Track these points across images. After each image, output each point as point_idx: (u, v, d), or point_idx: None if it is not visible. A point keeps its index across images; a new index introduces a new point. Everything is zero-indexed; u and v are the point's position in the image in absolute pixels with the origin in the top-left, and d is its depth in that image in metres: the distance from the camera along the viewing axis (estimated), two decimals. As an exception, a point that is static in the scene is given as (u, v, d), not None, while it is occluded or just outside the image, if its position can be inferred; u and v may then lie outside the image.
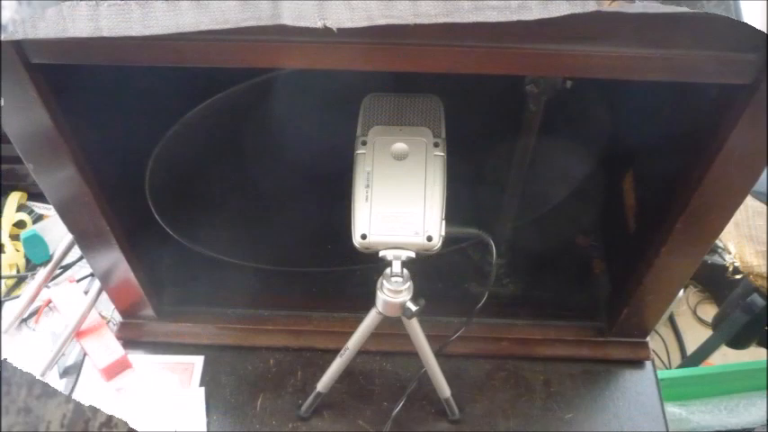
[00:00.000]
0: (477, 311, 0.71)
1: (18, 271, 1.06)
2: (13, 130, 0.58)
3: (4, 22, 0.45)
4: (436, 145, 0.63)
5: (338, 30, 0.44)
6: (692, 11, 0.43)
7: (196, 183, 0.97)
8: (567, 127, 0.80)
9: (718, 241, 1.20)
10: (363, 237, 0.59)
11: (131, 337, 0.87)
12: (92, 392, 0.83)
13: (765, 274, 1.10)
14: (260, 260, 0.89)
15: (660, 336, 1.56)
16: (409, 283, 0.62)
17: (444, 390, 0.76)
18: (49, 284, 0.94)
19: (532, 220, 0.89)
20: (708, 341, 1.29)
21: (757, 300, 1.12)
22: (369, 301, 0.65)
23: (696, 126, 0.62)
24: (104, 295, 0.82)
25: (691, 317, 1.63)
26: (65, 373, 0.86)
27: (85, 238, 0.71)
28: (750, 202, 1.11)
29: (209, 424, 0.80)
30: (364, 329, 0.68)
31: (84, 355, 0.86)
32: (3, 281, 1.03)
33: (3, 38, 0.45)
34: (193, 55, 0.51)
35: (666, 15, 0.44)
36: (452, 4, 0.43)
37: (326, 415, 0.81)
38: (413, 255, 0.60)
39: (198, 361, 0.85)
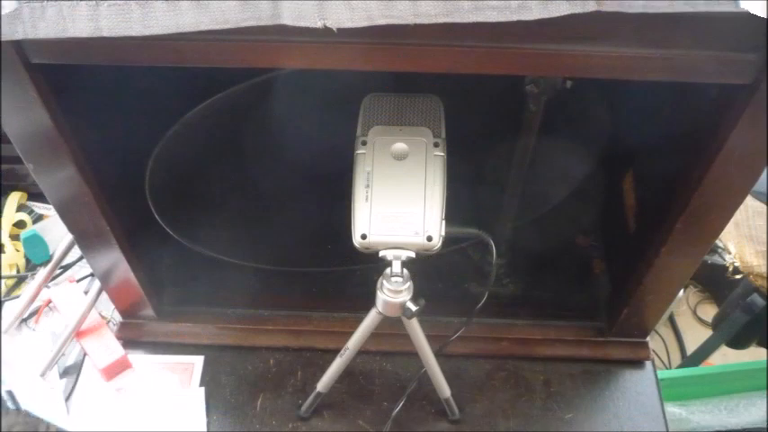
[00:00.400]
0: (477, 311, 0.71)
1: (18, 271, 1.06)
2: (13, 130, 0.58)
3: (3, 21, 0.45)
4: (436, 145, 0.63)
5: (338, 30, 0.44)
6: (692, 10, 0.43)
7: (196, 183, 0.97)
8: (567, 127, 0.80)
9: (718, 241, 1.20)
10: (363, 237, 0.59)
11: (131, 337, 0.87)
12: (92, 392, 0.83)
13: (765, 274, 1.10)
14: (260, 260, 0.89)
15: (660, 336, 1.56)
16: (409, 283, 0.62)
17: (444, 390, 0.76)
18: (49, 284, 0.94)
19: (532, 220, 0.89)
20: (708, 341, 1.29)
21: (757, 300, 1.12)
22: (369, 301, 0.65)
23: (696, 126, 0.62)
24: (104, 295, 0.82)
25: (691, 317, 1.63)
26: (65, 373, 0.86)
27: (85, 238, 0.71)
28: (750, 202, 1.11)
29: (209, 424, 0.80)
30: (364, 329, 0.68)
31: (84, 355, 0.86)
32: (3, 281, 1.03)
33: (3, 38, 0.45)
34: (193, 55, 0.51)
35: (666, 15, 0.44)
36: (452, 4, 0.43)
37: (326, 415, 0.81)
38: (413, 255, 0.60)
39: (198, 361, 0.85)
